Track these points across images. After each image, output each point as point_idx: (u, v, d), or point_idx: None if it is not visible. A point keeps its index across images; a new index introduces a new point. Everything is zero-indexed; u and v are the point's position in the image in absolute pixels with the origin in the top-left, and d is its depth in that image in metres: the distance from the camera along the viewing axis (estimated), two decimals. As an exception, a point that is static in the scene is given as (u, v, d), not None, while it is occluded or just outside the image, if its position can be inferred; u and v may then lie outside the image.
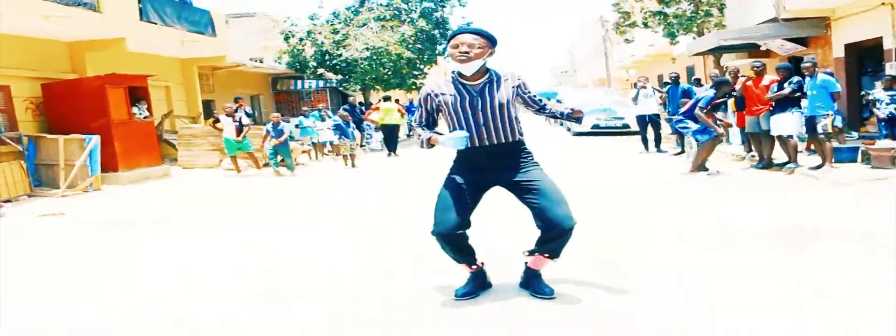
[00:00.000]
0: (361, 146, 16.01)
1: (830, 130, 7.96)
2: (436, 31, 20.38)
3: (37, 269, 4.96)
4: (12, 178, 9.27)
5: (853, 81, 11.55)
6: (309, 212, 7.22)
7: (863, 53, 11.37)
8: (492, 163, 3.26)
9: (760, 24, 12.38)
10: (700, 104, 8.37)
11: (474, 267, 3.48)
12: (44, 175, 10.37)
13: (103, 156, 10.44)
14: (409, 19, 19.78)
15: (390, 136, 14.91)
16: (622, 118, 17.46)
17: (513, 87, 3.26)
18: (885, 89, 8.82)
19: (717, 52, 14.91)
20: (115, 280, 4.42)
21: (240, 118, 11.70)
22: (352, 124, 13.32)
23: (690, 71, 21.79)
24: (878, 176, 7.40)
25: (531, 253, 3.44)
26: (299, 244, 5.36)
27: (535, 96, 3.39)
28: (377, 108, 15.20)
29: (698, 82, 12.70)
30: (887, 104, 8.69)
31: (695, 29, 16.12)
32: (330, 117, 15.32)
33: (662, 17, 16.31)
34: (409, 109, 19.30)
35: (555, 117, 3.43)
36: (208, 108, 16.54)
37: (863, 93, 10.78)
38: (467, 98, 3.20)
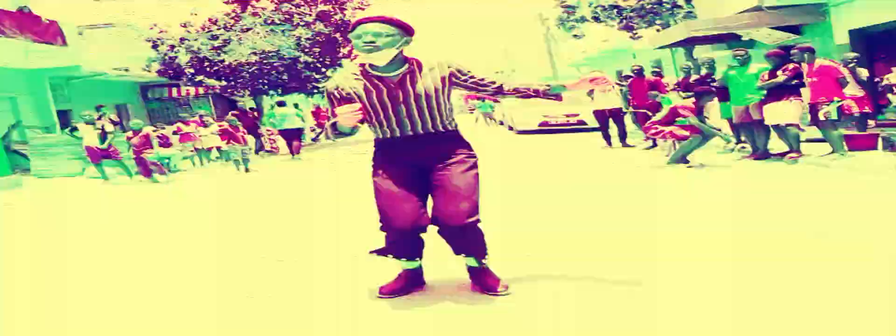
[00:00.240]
0: (257, 153, 15.85)
1: (834, 117, 7.16)
2: (337, 35, 19.62)
3: None
4: None
5: (864, 68, 10.74)
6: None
7: (871, 39, 10.44)
8: (417, 151, 2.96)
9: (740, 13, 11.30)
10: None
11: (418, 260, 3.16)
12: None
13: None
14: (302, 23, 18.92)
15: (292, 141, 14.77)
16: (577, 114, 15.19)
17: (441, 76, 2.96)
18: None
19: (687, 45, 13.63)
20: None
21: (103, 125, 11.39)
22: (241, 129, 12.80)
23: (658, 65, 18.04)
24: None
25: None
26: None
27: (481, 80, 3.02)
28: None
29: (658, 74, 11.08)
30: None
31: (659, 22, 14.58)
32: (212, 124, 14.41)
33: (616, 11, 14.64)
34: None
35: (527, 97, 3.06)
36: (66, 119, 15.63)
37: (876, 79, 10.00)
38: (384, 90, 2.91)
